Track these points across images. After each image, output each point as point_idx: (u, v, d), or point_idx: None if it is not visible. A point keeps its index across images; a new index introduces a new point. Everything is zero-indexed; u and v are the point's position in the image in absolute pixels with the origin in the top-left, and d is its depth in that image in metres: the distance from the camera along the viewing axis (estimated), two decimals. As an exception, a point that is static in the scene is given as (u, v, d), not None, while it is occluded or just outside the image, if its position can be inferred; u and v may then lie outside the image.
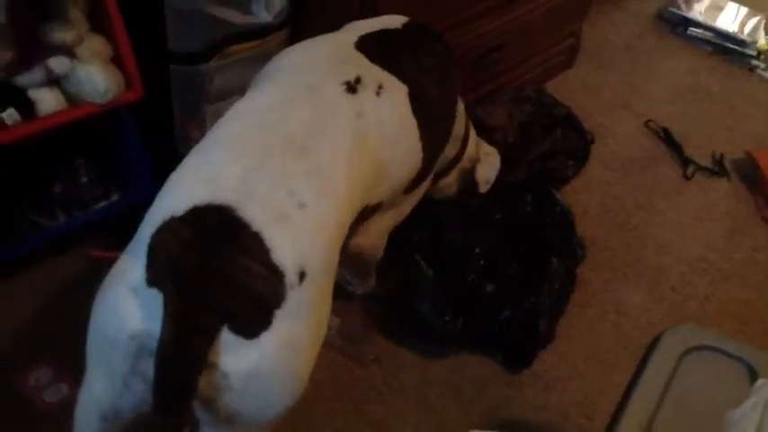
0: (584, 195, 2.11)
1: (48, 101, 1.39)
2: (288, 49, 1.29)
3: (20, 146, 1.38)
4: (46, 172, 1.63)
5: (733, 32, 2.78)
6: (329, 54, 1.24)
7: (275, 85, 1.16)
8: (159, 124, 1.62)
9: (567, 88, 2.46)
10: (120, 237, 1.04)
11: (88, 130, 1.55)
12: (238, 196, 0.92)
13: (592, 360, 1.69)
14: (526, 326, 1.60)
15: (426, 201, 1.52)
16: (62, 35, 1.36)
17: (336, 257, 1.04)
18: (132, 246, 0.95)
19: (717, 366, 1.16)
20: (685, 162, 2.28)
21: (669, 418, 1.09)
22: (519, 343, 1.62)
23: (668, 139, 2.35)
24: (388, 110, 1.19)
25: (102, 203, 1.64)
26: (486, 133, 2.00)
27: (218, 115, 1.13)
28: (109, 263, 0.97)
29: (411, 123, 1.24)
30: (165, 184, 0.99)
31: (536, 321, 1.60)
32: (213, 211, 0.91)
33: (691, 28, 2.84)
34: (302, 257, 0.93)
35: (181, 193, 0.96)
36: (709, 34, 2.82)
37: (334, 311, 1.65)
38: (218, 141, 1.04)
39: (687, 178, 2.24)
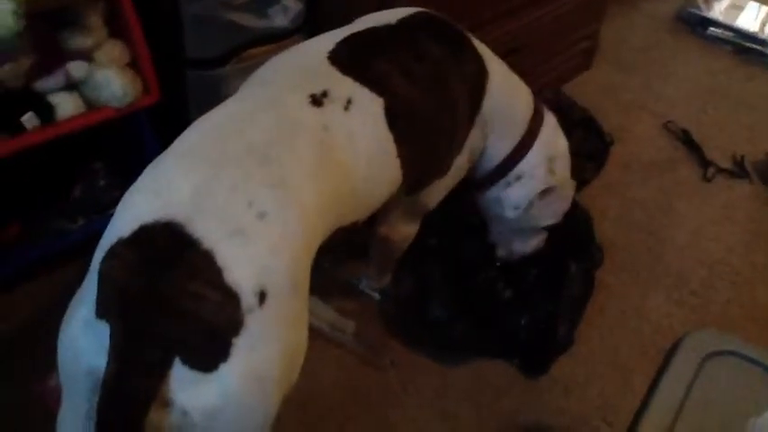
0: (603, 198, 2.09)
1: (67, 105, 1.40)
2: (267, 62, 1.20)
3: (40, 150, 1.39)
4: (65, 176, 1.65)
5: (753, 32, 2.74)
6: (299, 66, 1.15)
7: (240, 98, 1.09)
8: (177, 128, 1.63)
9: (584, 90, 2.44)
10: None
11: (106, 134, 1.56)
12: (189, 210, 0.84)
13: (611, 365, 1.68)
14: (544, 331, 1.58)
15: (440, 206, 1.50)
16: (81, 41, 1.37)
17: (307, 273, 0.94)
18: (89, 272, 0.88)
19: (738, 372, 1.14)
20: (705, 164, 2.25)
21: (690, 424, 1.07)
22: (537, 349, 1.60)
23: (688, 141, 2.32)
24: (359, 126, 1.09)
25: (120, 207, 1.66)
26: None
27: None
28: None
29: (386, 139, 1.13)
30: (119, 204, 0.91)
31: (554, 327, 1.58)
32: (161, 230, 0.83)
33: (710, 28, 2.81)
34: (262, 275, 0.84)
35: (129, 212, 0.88)
36: (729, 34, 2.79)
37: (350, 315, 1.67)
38: (172, 153, 0.96)
39: (707, 180, 2.21)
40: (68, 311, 0.89)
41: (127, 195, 0.91)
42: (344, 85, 1.11)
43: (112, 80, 1.40)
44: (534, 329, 1.58)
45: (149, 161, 0.96)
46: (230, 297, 0.82)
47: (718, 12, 2.82)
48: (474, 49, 1.35)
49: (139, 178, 0.93)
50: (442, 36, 1.30)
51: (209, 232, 0.83)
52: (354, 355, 1.60)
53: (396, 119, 1.14)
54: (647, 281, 1.89)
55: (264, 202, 0.88)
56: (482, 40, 1.85)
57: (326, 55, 1.15)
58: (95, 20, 1.39)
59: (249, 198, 0.88)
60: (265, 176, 0.92)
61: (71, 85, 1.41)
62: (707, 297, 1.87)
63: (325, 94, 1.07)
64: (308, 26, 1.65)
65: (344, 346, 1.61)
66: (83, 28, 1.37)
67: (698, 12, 2.83)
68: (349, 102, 1.09)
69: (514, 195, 1.49)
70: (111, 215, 0.90)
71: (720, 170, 2.24)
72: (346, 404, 1.53)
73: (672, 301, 1.84)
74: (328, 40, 1.20)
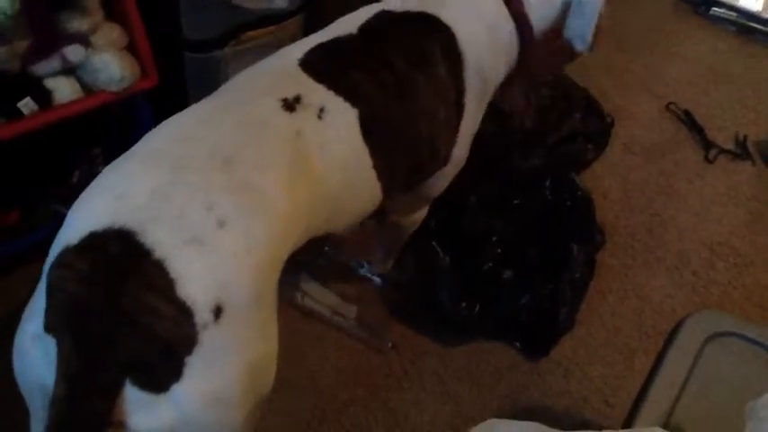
0: (605, 180, 2.08)
1: (64, 89, 1.39)
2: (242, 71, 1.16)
3: (38, 135, 1.38)
4: (64, 161, 1.64)
5: (756, 12, 2.71)
6: (271, 72, 1.11)
7: (209, 101, 1.04)
8: (176, 111, 1.62)
9: (585, 71, 2.41)
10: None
11: (105, 119, 1.55)
12: (143, 216, 0.79)
13: (612, 346, 1.68)
14: (545, 313, 1.58)
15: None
16: (78, 23, 1.35)
17: (273, 283, 0.89)
18: (40, 281, 0.83)
19: (740, 353, 1.14)
20: (707, 145, 2.24)
21: (691, 405, 1.07)
22: (538, 330, 1.61)
23: (690, 122, 2.31)
24: (333, 135, 1.04)
25: (120, 192, 1.65)
26: (502, 118, 1.98)
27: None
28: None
29: (362, 150, 1.09)
30: (71, 207, 0.86)
31: (556, 308, 1.58)
32: (113, 237, 0.77)
33: (713, 8, 2.78)
34: (219, 288, 0.79)
35: (80, 217, 0.82)
36: (732, 14, 2.76)
37: (351, 300, 1.67)
38: (131, 156, 0.90)
39: (709, 161, 2.20)
40: (21, 321, 0.85)
41: (80, 198, 0.86)
42: (318, 93, 1.06)
43: (110, 64, 1.38)
44: (535, 310, 1.58)
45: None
46: (183, 312, 0.77)
47: (721, -9, 2.79)
48: (443, 31, 1.24)
49: (94, 181, 0.88)
50: (407, 35, 1.22)
51: (162, 240, 0.78)
52: (355, 339, 1.61)
53: (371, 130, 1.09)
54: (648, 262, 1.88)
55: (225, 208, 0.83)
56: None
57: (297, 63, 1.10)
58: (92, 2, 1.38)
59: (208, 204, 0.82)
60: (228, 181, 0.86)
61: (68, 70, 1.39)
62: (708, 278, 1.86)
63: (297, 100, 1.02)
64: (308, 7, 1.63)
65: (345, 330, 1.61)
66: (79, 10, 1.36)
67: (701, -9, 2.81)
68: (322, 110, 1.04)
69: (574, 30, 1.35)
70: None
71: (723, 151, 2.23)
72: (348, 387, 1.53)
73: (673, 282, 1.84)
74: (298, 48, 1.15)
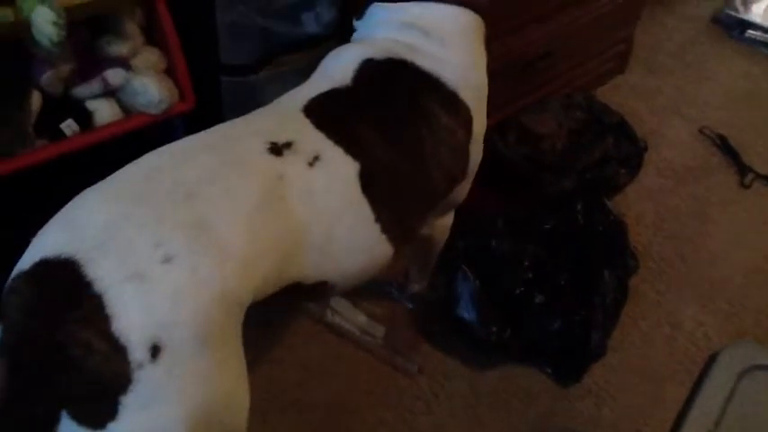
0: (637, 204, 2.06)
1: (104, 111, 1.42)
2: None
3: (78, 155, 1.42)
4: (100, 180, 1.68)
5: (793, 35, 2.69)
6: (273, 113, 1.09)
7: (197, 136, 1.01)
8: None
9: (618, 95, 2.42)
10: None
11: (143, 140, 1.59)
12: (91, 247, 0.78)
13: (644, 374, 1.65)
14: (577, 338, 1.57)
15: (466, 209, 1.46)
16: (118, 48, 1.39)
17: (228, 325, 0.84)
18: None
19: (778, 387, 1.11)
20: (743, 170, 2.21)
21: (727, 439, 1.05)
22: (569, 356, 1.59)
23: (724, 146, 2.28)
24: (323, 184, 1.00)
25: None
26: (534, 141, 1.98)
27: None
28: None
29: (359, 203, 1.04)
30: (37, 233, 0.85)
31: (587, 334, 1.56)
32: (60, 267, 0.77)
33: (749, 30, 2.76)
34: (157, 327, 0.76)
35: (37, 244, 0.81)
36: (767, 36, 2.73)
37: (380, 320, 1.67)
38: (98, 187, 0.89)
39: (745, 186, 2.17)
40: None
41: (45, 225, 0.85)
42: (315, 141, 1.03)
43: (149, 87, 1.42)
44: (567, 336, 1.57)
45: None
46: (116, 349, 0.74)
47: (756, 14, 2.76)
48: (430, 81, 1.20)
49: (62, 209, 0.87)
50: (401, 88, 1.18)
51: (104, 274, 0.76)
52: (383, 362, 1.61)
53: (373, 184, 1.06)
54: (681, 289, 1.86)
55: (174, 244, 0.80)
56: (514, 45, 1.82)
57: (301, 107, 1.08)
58: (132, 27, 1.42)
59: (157, 239, 0.80)
60: (184, 216, 0.84)
61: (109, 92, 1.43)
62: (742, 306, 1.83)
63: (288, 145, 0.99)
64: (340, 33, 1.66)
65: (373, 352, 1.62)
66: (120, 35, 1.40)
67: (735, 14, 2.78)
68: (316, 158, 1.00)
69: None
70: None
71: (759, 176, 2.20)
72: (377, 409, 1.53)
73: (706, 310, 1.81)
74: (303, 93, 1.13)
